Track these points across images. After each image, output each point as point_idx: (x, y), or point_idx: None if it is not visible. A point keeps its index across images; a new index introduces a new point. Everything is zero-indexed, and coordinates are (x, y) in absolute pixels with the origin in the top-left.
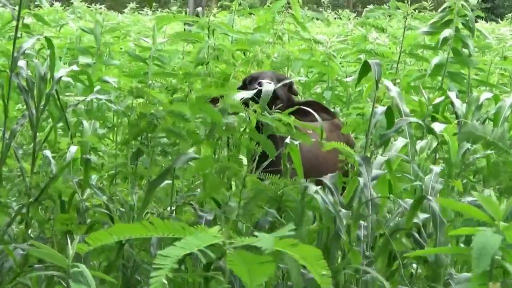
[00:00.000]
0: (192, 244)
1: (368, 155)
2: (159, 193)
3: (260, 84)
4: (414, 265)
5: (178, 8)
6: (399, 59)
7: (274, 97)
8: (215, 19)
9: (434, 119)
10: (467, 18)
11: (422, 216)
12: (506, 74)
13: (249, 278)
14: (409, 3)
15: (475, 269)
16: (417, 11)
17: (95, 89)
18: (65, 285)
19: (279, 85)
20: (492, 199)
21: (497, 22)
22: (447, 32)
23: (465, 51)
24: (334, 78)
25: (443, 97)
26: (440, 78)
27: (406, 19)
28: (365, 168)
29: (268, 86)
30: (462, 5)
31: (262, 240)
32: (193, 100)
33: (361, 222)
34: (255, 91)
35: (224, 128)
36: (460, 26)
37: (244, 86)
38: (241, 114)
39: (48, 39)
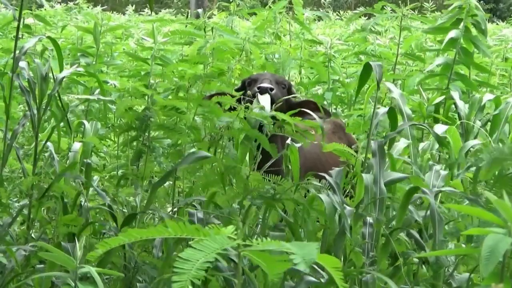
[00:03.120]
0: (210, 247)
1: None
2: (161, 194)
3: (259, 88)
4: (416, 265)
5: (176, 10)
6: (396, 60)
7: (272, 101)
8: (213, 19)
9: (435, 120)
10: (478, 19)
11: (422, 213)
12: (506, 75)
13: (268, 270)
14: (405, 3)
15: (484, 270)
16: (416, 11)
17: (96, 91)
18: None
19: (285, 98)
20: (505, 201)
21: (497, 24)
22: (453, 33)
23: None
24: (331, 79)
25: (443, 97)
26: (441, 79)
27: (402, 20)
28: (378, 159)
29: (266, 100)
30: (474, 4)
31: (299, 250)
32: (193, 96)
33: (366, 219)
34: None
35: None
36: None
37: (243, 88)
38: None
39: (53, 39)
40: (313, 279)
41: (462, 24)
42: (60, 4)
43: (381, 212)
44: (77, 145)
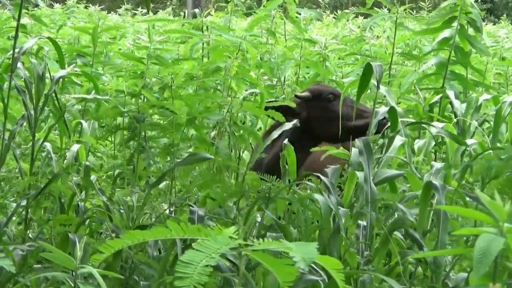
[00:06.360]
0: (211, 248)
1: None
2: (155, 193)
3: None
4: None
5: (175, 8)
6: (391, 59)
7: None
8: (210, 19)
9: (430, 119)
10: (472, 16)
11: (414, 211)
12: (503, 74)
13: (279, 277)
14: (400, 3)
15: (476, 271)
16: (414, 11)
17: (92, 92)
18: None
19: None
20: (496, 201)
21: (494, 24)
22: (447, 32)
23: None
24: (328, 78)
25: (439, 96)
26: (436, 78)
27: (397, 19)
28: (366, 157)
29: None
30: (469, 1)
31: (297, 250)
32: (177, 92)
33: (359, 221)
34: None
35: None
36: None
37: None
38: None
39: (53, 40)
40: (312, 277)
41: (456, 22)
42: (54, 5)
43: (375, 211)
44: (75, 146)
